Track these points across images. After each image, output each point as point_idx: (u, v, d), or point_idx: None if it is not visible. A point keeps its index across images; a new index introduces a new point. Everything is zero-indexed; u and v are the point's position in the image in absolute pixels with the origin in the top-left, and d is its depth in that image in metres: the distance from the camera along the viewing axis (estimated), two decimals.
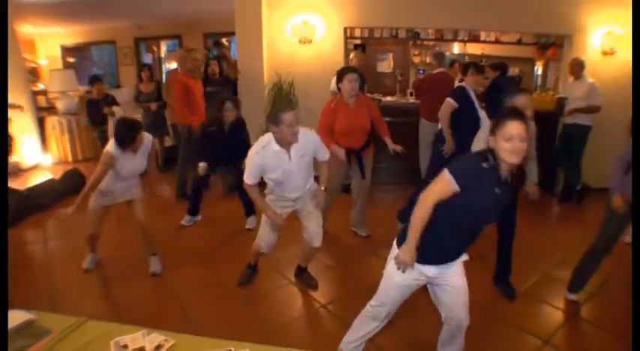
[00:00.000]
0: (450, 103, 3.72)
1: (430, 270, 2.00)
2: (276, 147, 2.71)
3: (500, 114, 1.85)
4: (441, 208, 1.84)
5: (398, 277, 2.03)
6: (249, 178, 2.78)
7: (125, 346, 1.62)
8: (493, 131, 1.82)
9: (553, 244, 4.03)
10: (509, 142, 1.75)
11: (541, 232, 4.33)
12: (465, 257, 2.08)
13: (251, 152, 2.76)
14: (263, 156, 2.72)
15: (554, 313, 3.02)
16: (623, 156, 2.70)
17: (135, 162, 3.22)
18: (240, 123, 4.15)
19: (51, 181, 5.19)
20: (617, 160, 2.77)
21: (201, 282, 3.38)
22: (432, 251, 1.96)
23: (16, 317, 1.73)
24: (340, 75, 3.55)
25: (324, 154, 2.97)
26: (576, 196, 5.09)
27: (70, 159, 6.64)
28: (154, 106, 5.70)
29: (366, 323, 2.24)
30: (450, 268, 2.03)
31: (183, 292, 3.22)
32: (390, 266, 2.06)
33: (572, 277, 3.07)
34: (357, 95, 3.58)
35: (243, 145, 3.74)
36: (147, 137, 3.27)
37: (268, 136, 2.73)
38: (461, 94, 3.72)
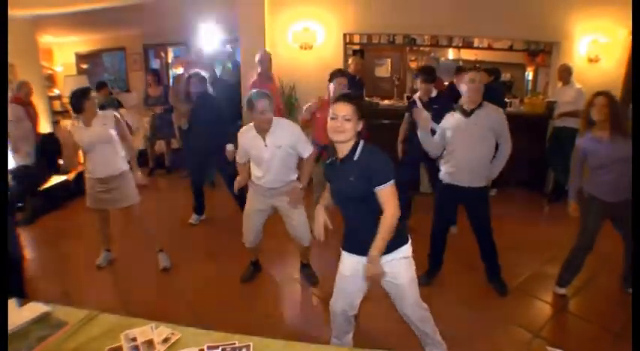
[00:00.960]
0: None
1: (358, 260, 2.07)
2: (254, 132, 2.88)
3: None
4: None
5: (342, 270, 2.19)
6: (239, 156, 3.08)
7: (134, 339, 1.64)
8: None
9: (543, 241, 4.12)
10: (332, 121, 1.92)
11: (532, 231, 4.44)
12: (400, 254, 2.07)
13: (239, 133, 3.01)
14: (244, 138, 2.96)
15: (543, 308, 3.12)
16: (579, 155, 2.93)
17: (90, 133, 3.26)
18: (208, 97, 4.23)
19: (65, 181, 5.43)
20: (573, 157, 3.00)
21: (206, 278, 3.49)
22: (347, 238, 2.18)
23: (33, 309, 1.79)
24: (331, 76, 3.66)
25: (305, 151, 2.98)
26: (565, 196, 5.24)
27: (82, 160, 6.84)
28: (159, 109, 5.89)
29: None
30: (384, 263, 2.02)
31: (190, 287, 3.33)
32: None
33: (561, 273, 3.19)
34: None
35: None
36: (107, 112, 3.41)
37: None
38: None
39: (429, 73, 3.92)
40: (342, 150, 1.97)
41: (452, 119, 3.06)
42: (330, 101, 3.61)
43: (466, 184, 3.05)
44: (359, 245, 2.05)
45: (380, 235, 1.93)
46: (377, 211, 1.95)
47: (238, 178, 3.13)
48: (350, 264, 2.14)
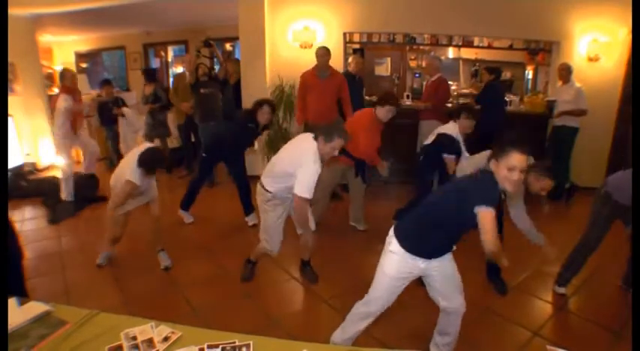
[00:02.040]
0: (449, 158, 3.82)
1: (421, 262, 2.12)
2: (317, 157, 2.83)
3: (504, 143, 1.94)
4: (454, 215, 2.00)
5: (392, 271, 2.14)
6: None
7: (134, 338, 1.64)
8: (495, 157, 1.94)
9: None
10: (511, 172, 1.88)
11: None
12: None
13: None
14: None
15: (543, 306, 3.13)
16: None
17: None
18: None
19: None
20: None
21: (205, 276, 3.49)
22: (427, 246, 2.11)
23: (34, 308, 1.79)
24: (383, 102, 3.74)
25: (296, 187, 2.80)
26: (565, 195, 5.27)
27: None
28: (147, 107, 5.93)
29: (356, 323, 2.30)
30: (438, 260, 2.15)
31: (189, 286, 3.32)
32: (384, 260, 2.17)
33: (561, 272, 3.21)
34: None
35: None
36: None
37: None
38: (450, 144, 3.81)
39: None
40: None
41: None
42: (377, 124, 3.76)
43: None
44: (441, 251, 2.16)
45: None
46: None
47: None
48: (406, 268, 2.16)
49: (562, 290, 3.21)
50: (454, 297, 2.25)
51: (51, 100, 4.85)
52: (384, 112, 3.72)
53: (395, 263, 2.13)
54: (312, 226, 3.19)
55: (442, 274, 2.19)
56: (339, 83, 4.68)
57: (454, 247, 2.22)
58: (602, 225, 2.98)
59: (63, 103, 4.67)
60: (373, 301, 2.24)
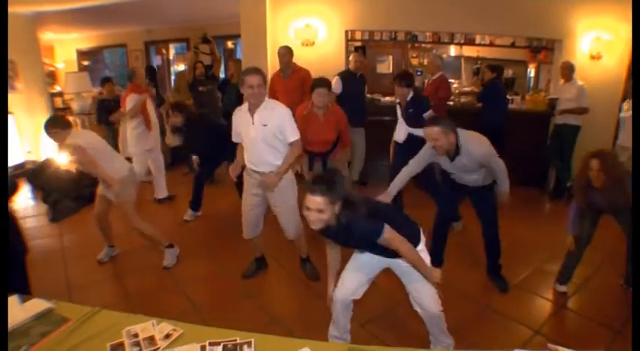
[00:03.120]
0: None
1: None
2: (245, 108, 2.92)
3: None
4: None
5: (359, 254, 2.23)
6: (233, 136, 3.07)
7: (136, 335, 1.65)
8: None
9: (544, 239, 4.11)
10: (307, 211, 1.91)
11: (533, 228, 4.41)
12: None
13: (233, 113, 3.06)
14: (236, 116, 2.99)
15: (544, 304, 3.14)
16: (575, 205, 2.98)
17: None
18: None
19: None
20: (572, 207, 3.04)
21: (206, 274, 3.50)
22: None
23: (37, 305, 1.81)
24: (312, 86, 3.54)
25: (291, 136, 2.93)
26: (567, 193, 5.26)
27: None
28: None
29: (340, 312, 2.30)
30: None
31: (190, 284, 3.34)
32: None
33: (561, 270, 3.21)
34: (326, 108, 3.58)
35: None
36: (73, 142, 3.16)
37: None
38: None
39: (405, 78, 4.03)
40: None
41: (441, 159, 3.01)
42: (314, 112, 3.58)
43: (471, 185, 3.11)
44: None
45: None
46: None
47: (232, 165, 3.15)
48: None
49: (563, 288, 3.21)
50: (424, 299, 2.23)
51: (121, 100, 4.69)
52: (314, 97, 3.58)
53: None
54: (295, 234, 3.25)
55: (410, 269, 2.17)
56: (302, 78, 4.73)
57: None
58: (588, 220, 3.02)
59: (138, 102, 4.51)
60: (342, 282, 2.27)
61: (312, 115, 3.58)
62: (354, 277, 2.26)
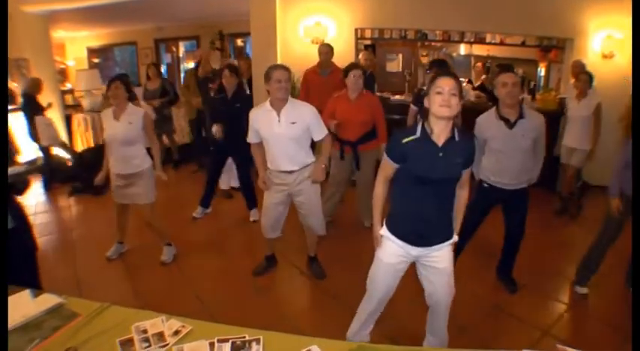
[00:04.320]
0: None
1: (413, 250, 2.07)
2: (269, 106, 2.87)
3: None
4: (395, 181, 2.06)
5: (384, 257, 2.13)
6: (249, 136, 3.03)
7: (145, 331, 1.65)
8: (427, 91, 1.91)
9: (555, 239, 4.09)
10: (439, 95, 1.83)
11: (544, 229, 4.36)
12: (453, 239, 2.11)
13: (250, 111, 3.03)
14: (256, 114, 2.93)
15: (553, 305, 3.12)
16: (622, 157, 2.77)
17: (114, 129, 3.24)
18: (243, 93, 4.22)
19: None
20: (616, 165, 2.84)
21: (214, 271, 3.53)
22: (405, 224, 2.06)
23: (47, 300, 1.83)
24: (346, 70, 3.68)
25: (319, 133, 2.97)
26: (577, 193, 5.20)
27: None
28: (156, 102, 5.82)
29: (363, 319, 2.32)
30: (433, 250, 2.07)
31: (199, 280, 3.36)
32: (377, 249, 2.18)
33: (579, 271, 3.17)
34: (360, 91, 3.69)
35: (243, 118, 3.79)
36: (136, 109, 3.31)
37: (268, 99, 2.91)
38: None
39: (442, 66, 3.92)
40: (442, 130, 1.90)
41: (494, 129, 2.87)
42: (348, 95, 3.69)
43: (509, 187, 2.98)
44: (420, 233, 2.04)
45: (460, 214, 2.14)
46: (454, 195, 2.07)
47: (261, 174, 3.08)
48: (398, 251, 2.11)
49: (584, 290, 3.17)
50: (439, 288, 2.17)
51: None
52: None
53: (386, 248, 2.13)
54: (323, 230, 3.25)
55: (434, 267, 2.12)
56: (339, 80, 4.67)
57: (455, 237, 2.13)
58: (615, 226, 2.94)
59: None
60: (370, 289, 2.25)
61: (344, 96, 3.72)
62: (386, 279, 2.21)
